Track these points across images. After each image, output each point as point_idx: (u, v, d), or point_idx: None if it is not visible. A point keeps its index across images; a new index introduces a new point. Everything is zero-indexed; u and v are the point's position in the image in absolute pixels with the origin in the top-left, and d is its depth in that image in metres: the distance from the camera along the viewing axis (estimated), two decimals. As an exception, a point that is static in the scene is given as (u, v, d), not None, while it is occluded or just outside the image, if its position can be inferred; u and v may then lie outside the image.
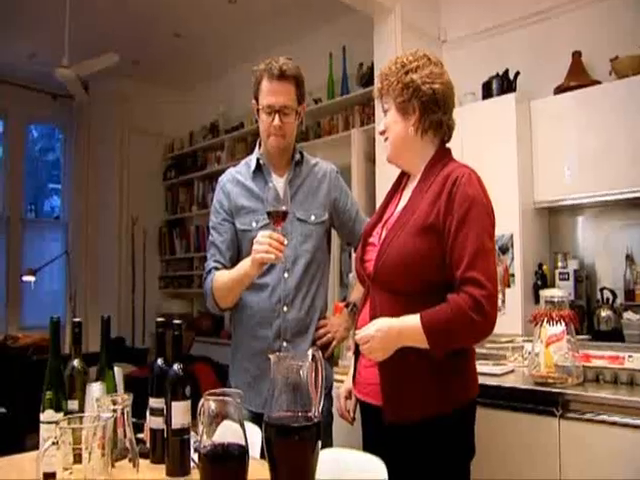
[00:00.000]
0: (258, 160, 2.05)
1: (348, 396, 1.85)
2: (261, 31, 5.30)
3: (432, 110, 1.64)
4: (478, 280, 1.48)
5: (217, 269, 1.98)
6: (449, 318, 1.48)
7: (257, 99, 1.98)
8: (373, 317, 1.60)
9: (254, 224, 1.97)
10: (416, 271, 1.56)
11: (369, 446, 1.67)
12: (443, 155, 1.69)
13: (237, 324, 2.06)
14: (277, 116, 1.93)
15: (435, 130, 1.68)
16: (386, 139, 1.73)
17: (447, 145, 1.74)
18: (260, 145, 2.09)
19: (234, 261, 1.98)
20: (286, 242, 1.74)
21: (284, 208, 1.70)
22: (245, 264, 1.83)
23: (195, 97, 6.87)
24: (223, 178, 2.11)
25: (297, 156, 2.07)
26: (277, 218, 1.71)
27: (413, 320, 1.50)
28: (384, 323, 1.54)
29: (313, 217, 2.03)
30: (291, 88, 1.94)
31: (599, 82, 3.19)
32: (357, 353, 1.71)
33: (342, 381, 1.94)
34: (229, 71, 6.14)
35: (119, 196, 6.71)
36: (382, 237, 1.67)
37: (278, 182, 2.00)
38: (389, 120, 1.70)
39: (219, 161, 6.40)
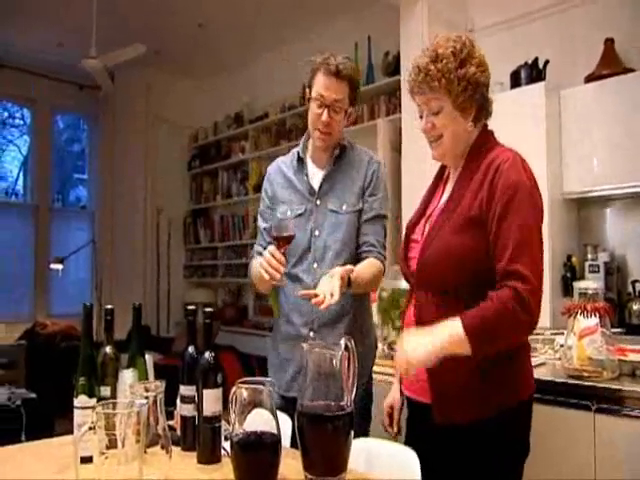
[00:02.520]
0: (299, 153, 2.10)
1: (390, 411, 1.77)
2: (285, 21, 5.27)
3: (486, 99, 1.57)
4: (522, 274, 1.37)
5: (260, 254, 2.02)
6: (492, 317, 1.37)
7: (310, 88, 1.99)
8: (418, 317, 1.53)
9: (289, 213, 2.03)
10: (461, 268, 1.47)
11: (413, 442, 1.59)
12: (486, 138, 1.60)
13: (280, 306, 2.10)
14: (326, 111, 1.93)
15: (485, 116, 1.61)
16: (438, 138, 1.57)
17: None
18: (308, 135, 2.10)
19: None
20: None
21: (286, 234, 1.83)
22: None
23: (219, 87, 6.87)
24: (270, 167, 2.19)
25: (336, 152, 2.05)
26: (281, 242, 1.83)
27: (453, 329, 1.37)
28: (419, 345, 1.40)
29: (345, 206, 2.01)
30: (345, 88, 1.93)
31: (633, 70, 3.11)
32: None
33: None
34: (253, 61, 6.11)
35: (144, 186, 6.77)
36: (425, 233, 1.60)
37: (316, 174, 2.06)
38: (445, 120, 1.54)
39: (243, 151, 6.41)
